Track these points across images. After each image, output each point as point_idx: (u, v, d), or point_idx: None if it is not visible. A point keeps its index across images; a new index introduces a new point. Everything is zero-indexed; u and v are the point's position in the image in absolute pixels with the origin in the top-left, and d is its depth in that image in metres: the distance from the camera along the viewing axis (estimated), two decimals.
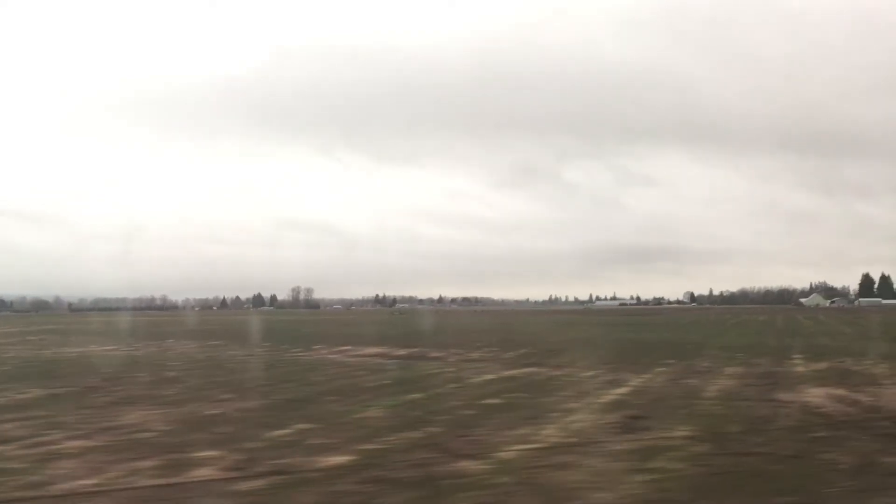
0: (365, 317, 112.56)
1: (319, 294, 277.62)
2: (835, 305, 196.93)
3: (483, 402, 15.03)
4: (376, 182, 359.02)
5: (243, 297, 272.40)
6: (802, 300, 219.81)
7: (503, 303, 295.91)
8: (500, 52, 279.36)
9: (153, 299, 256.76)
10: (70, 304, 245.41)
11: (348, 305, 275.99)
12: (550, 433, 11.32)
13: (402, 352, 29.67)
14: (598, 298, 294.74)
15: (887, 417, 13.04)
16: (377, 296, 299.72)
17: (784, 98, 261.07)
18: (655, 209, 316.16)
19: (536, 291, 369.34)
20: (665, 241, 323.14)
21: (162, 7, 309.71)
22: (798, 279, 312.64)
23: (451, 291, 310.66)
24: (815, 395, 15.72)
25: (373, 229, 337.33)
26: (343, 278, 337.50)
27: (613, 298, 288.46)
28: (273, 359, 27.26)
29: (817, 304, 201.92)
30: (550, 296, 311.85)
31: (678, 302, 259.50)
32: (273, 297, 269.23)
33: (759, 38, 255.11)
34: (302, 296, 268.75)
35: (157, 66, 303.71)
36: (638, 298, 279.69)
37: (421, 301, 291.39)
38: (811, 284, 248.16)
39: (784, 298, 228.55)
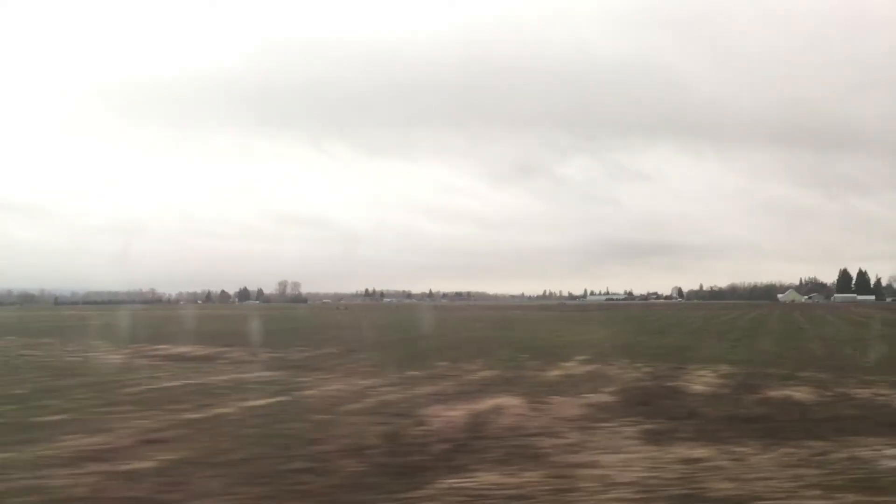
0: (317, 311, 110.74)
1: (310, 288, 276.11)
2: (810, 301, 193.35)
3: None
4: (369, 176, 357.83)
5: (232, 290, 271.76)
6: (779, 296, 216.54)
7: (497, 298, 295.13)
8: (494, 46, 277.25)
9: (143, 293, 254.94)
10: (56, 298, 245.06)
11: (338, 300, 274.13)
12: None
13: (208, 350, 27.59)
14: (591, 293, 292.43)
15: (474, 438, 10.77)
16: (367, 290, 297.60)
17: (776, 93, 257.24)
18: (651, 204, 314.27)
19: (532, 286, 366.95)
20: (661, 236, 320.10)
21: (153, 1, 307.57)
22: (790, 274, 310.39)
23: (446, 286, 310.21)
24: (473, 409, 13.44)
25: (365, 224, 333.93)
26: (334, 273, 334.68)
27: (606, 293, 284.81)
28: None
29: (792, 300, 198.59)
30: (545, 291, 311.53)
31: (666, 297, 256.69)
32: (259, 292, 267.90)
33: (751, 33, 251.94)
34: (289, 290, 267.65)
35: (146, 60, 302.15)
36: (630, 293, 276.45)
37: (409, 296, 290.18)
38: (801, 280, 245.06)
39: (770, 294, 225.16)
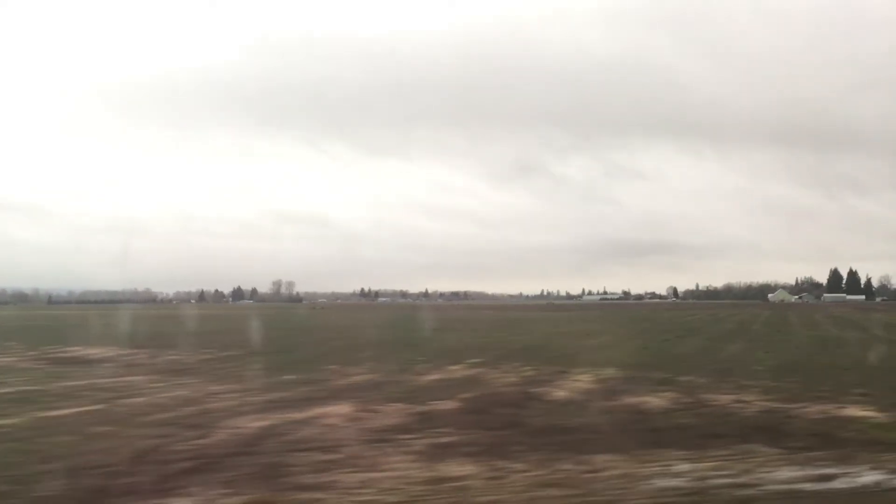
0: (294, 312, 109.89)
1: (307, 288, 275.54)
2: (801, 301, 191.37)
3: None
4: (367, 176, 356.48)
5: (229, 290, 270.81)
6: (770, 296, 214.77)
7: (494, 297, 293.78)
8: (493, 46, 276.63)
9: (138, 293, 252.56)
10: (50, 297, 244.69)
11: (335, 299, 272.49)
12: None
13: (115, 352, 26.67)
14: (589, 293, 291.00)
15: (236, 454, 9.79)
16: (362, 289, 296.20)
17: (776, 92, 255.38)
18: (650, 204, 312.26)
19: (532, 286, 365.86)
20: (661, 235, 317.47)
21: (152, 1, 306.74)
22: (788, 274, 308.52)
23: (445, 286, 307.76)
24: (284, 419, 12.45)
25: (363, 223, 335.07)
26: (332, 272, 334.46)
27: (603, 293, 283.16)
28: None
29: (782, 300, 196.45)
30: (542, 290, 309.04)
31: (661, 297, 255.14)
32: (254, 291, 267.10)
33: (751, 33, 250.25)
34: (284, 290, 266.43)
35: (144, 59, 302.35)
36: (627, 293, 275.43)
37: (405, 295, 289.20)
38: (797, 280, 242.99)
39: (764, 294, 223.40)
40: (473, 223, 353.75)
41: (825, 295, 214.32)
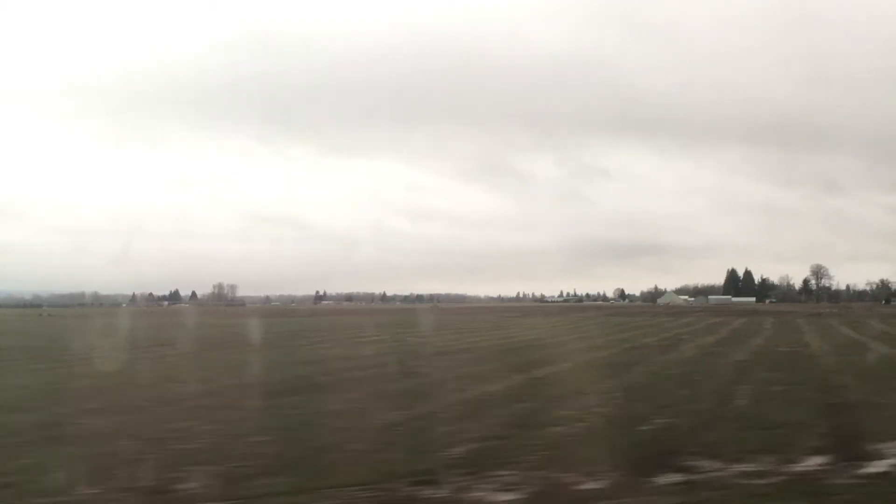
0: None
1: (256, 291, 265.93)
2: (686, 304, 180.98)
3: None
4: (322, 174, 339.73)
5: (161, 292, 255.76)
6: (658, 300, 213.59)
7: (464, 299, 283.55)
8: (469, 44, 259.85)
9: (83, 295, 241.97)
10: None
11: (288, 302, 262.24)
12: None
13: None
14: (568, 294, 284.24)
15: None
16: (317, 292, 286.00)
17: (743, 90, 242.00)
18: (628, 204, 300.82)
19: (506, 287, 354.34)
20: (641, 236, 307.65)
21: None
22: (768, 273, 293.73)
23: (406, 288, 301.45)
24: None
25: (321, 224, 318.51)
26: (280, 274, 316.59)
27: (573, 295, 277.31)
28: None
29: (667, 303, 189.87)
30: (518, 293, 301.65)
31: (603, 299, 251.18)
32: (193, 294, 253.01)
33: (705, 29, 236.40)
34: (226, 292, 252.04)
35: (93, 55, 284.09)
36: (575, 296, 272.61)
37: (350, 297, 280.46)
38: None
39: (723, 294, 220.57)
40: (441, 223, 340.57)
41: (710, 297, 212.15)
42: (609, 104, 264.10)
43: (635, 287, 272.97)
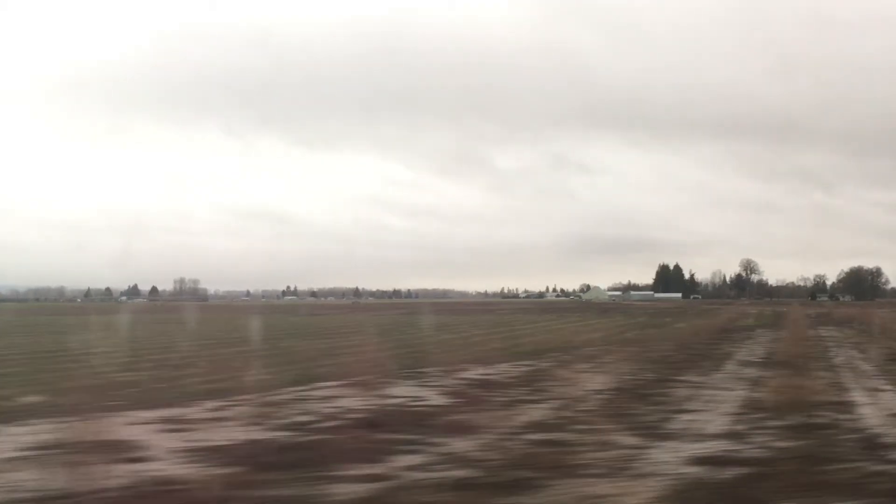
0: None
1: (222, 286, 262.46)
2: (610, 300, 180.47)
3: None
4: (291, 167, 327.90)
5: (120, 287, 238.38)
6: (582, 294, 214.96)
7: (446, 294, 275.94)
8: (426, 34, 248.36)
9: (50, 290, 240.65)
10: None
11: (260, 298, 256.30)
12: None
13: None
14: (553, 290, 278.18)
15: None
16: (287, 287, 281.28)
17: (723, 85, 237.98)
18: (610, 199, 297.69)
19: (485, 284, 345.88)
20: (629, 231, 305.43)
21: None
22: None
23: (373, 284, 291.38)
24: None
25: (293, 218, 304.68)
26: (247, 269, 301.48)
27: (555, 291, 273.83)
28: None
29: (589, 300, 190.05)
30: (502, 289, 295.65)
31: (565, 294, 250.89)
32: (154, 289, 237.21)
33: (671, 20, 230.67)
34: (187, 287, 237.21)
35: (57, 49, 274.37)
36: (568, 291, 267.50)
37: (323, 293, 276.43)
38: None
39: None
40: (416, 219, 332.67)
41: (631, 292, 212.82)
42: (602, 100, 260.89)
43: (607, 281, 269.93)
